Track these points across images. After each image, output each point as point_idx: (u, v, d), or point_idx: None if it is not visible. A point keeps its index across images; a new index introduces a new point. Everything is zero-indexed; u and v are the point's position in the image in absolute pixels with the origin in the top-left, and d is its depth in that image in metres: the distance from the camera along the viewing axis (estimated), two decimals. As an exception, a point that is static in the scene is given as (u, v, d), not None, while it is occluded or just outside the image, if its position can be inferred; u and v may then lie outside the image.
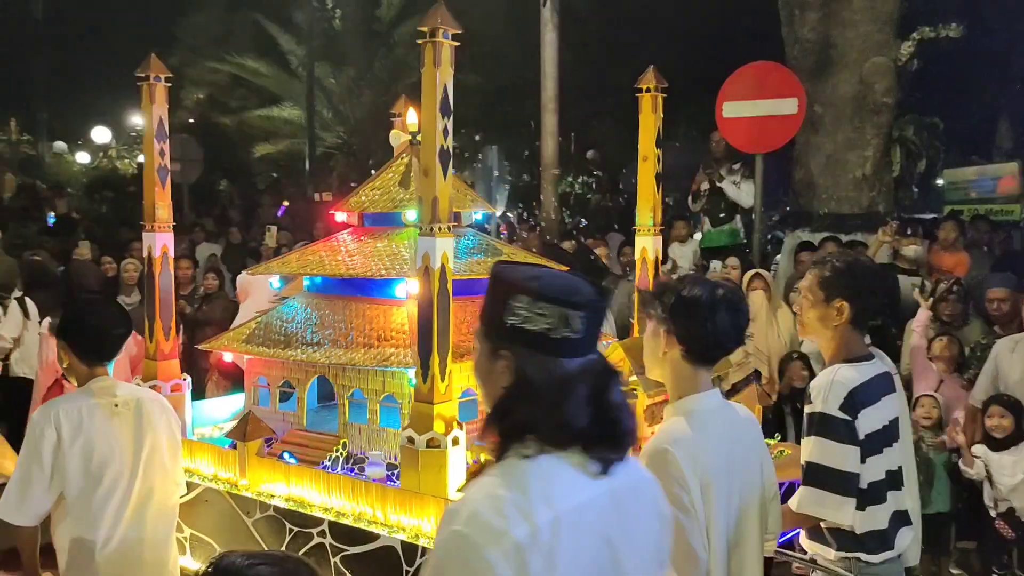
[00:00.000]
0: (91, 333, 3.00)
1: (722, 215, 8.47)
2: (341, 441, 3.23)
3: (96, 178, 23.04)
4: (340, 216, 3.74)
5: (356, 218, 3.61)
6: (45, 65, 24.89)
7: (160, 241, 3.65)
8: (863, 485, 2.60)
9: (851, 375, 2.65)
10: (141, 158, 23.70)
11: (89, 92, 29.57)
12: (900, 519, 2.73)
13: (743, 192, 8.26)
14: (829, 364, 2.76)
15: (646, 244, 3.67)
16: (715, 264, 7.46)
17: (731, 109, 7.69)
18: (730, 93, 7.70)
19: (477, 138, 16.76)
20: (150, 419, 3.02)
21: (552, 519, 1.46)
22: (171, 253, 3.72)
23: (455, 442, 2.78)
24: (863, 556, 2.62)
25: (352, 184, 19.93)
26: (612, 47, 18.57)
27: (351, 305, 3.39)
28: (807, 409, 2.70)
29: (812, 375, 3.49)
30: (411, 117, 3.52)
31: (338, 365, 3.22)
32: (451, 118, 2.75)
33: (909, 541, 2.78)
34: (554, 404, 1.52)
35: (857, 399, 2.61)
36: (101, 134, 26.36)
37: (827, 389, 2.63)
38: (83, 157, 28.37)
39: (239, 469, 3.20)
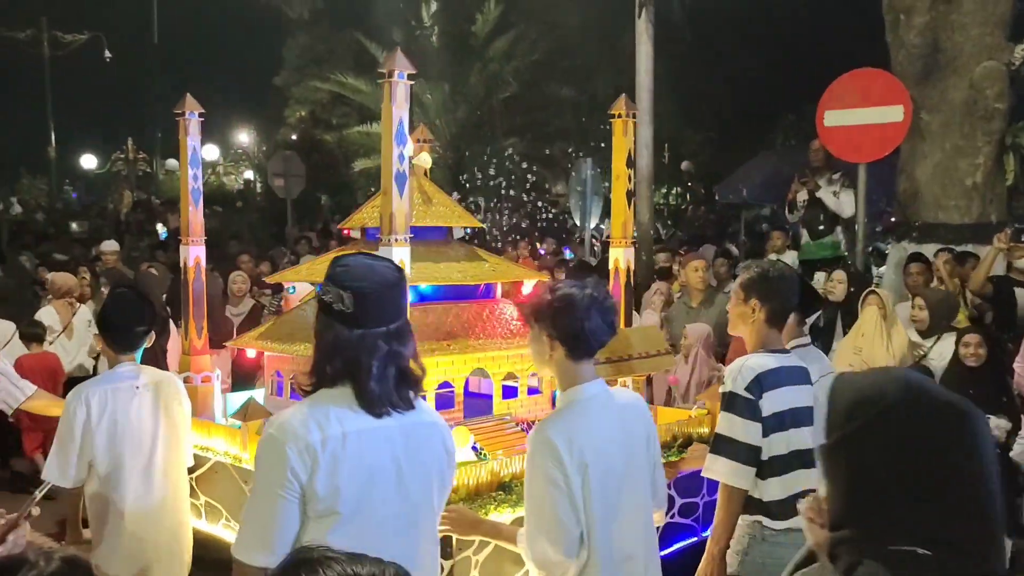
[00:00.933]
0: (117, 327, 3.47)
1: (822, 227, 8.24)
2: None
3: (205, 194, 24.04)
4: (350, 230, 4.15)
5: (360, 232, 3.99)
6: (159, 87, 26.16)
7: (193, 253, 4.23)
8: (764, 457, 2.97)
9: (760, 361, 3.03)
10: (247, 174, 24.61)
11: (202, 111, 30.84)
12: None
13: (843, 202, 8.03)
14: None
15: (618, 255, 3.99)
16: (819, 276, 7.26)
17: (833, 118, 7.50)
18: (832, 101, 7.51)
19: (570, 151, 16.78)
20: (166, 399, 3.48)
21: (341, 434, 2.04)
22: (203, 263, 4.35)
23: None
24: (765, 521, 2.97)
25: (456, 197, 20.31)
26: (707, 58, 18.37)
27: None
28: (720, 389, 3.12)
29: None
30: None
31: None
32: (407, 146, 3.20)
33: None
34: (326, 357, 2.10)
35: (763, 382, 2.98)
36: (209, 151, 27.52)
37: (737, 372, 3.02)
38: (194, 174, 29.66)
39: (242, 445, 3.67)
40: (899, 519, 1.51)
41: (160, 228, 17.96)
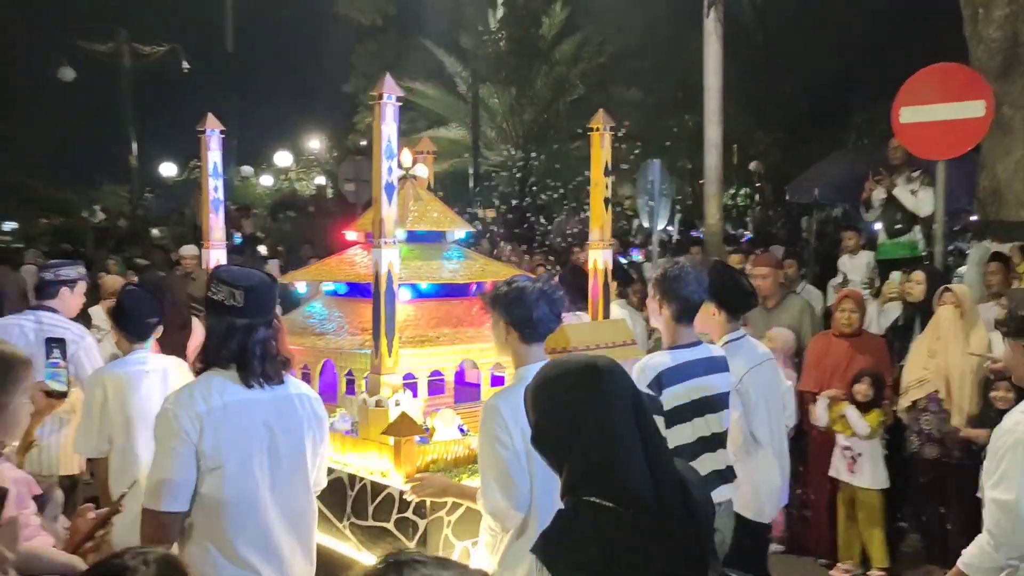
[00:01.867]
0: (128, 318, 3.98)
1: (899, 226, 8.02)
2: (338, 409, 3.87)
3: (278, 199, 24.59)
4: (350, 235, 4.42)
5: (363, 236, 4.25)
6: (234, 94, 26.84)
7: (215, 256, 4.58)
8: (670, 446, 3.03)
9: (662, 360, 3.33)
10: (318, 179, 25.04)
11: (272, 119, 31.63)
12: (719, 477, 3.46)
13: (921, 200, 7.81)
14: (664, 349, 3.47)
15: (596, 256, 4.29)
16: (895, 275, 7.07)
17: (910, 114, 7.29)
18: (908, 98, 7.31)
19: (637, 152, 16.68)
20: (173, 382, 3.85)
21: (222, 404, 2.56)
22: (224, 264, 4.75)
23: (397, 403, 3.46)
24: None
25: (512, 201, 20.32)
26: (777, 56, 18.06)
27: (350, 304, 4.13)
28: None
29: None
30: (405, 157, 4.14)
31: (335, 350, 3.94)
32: (395, 160, 3.62)
33: (729, 494, 3.51)
34: (220, 343, 2.61)
35: (663, 379, 3.27)
36: (283, 158, 28.15)
37: (640, 371, 3.27)
38: (266, 180, 30.38)
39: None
40: (574, 470, 1.90)
41: (235, 233, 18.46)
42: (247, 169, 29.26)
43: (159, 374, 3.96)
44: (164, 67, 25.79)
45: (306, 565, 2.73)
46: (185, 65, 25.45)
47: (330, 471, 3.39)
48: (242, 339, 2.61)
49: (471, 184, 19.97)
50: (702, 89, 12.48)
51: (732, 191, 18.92)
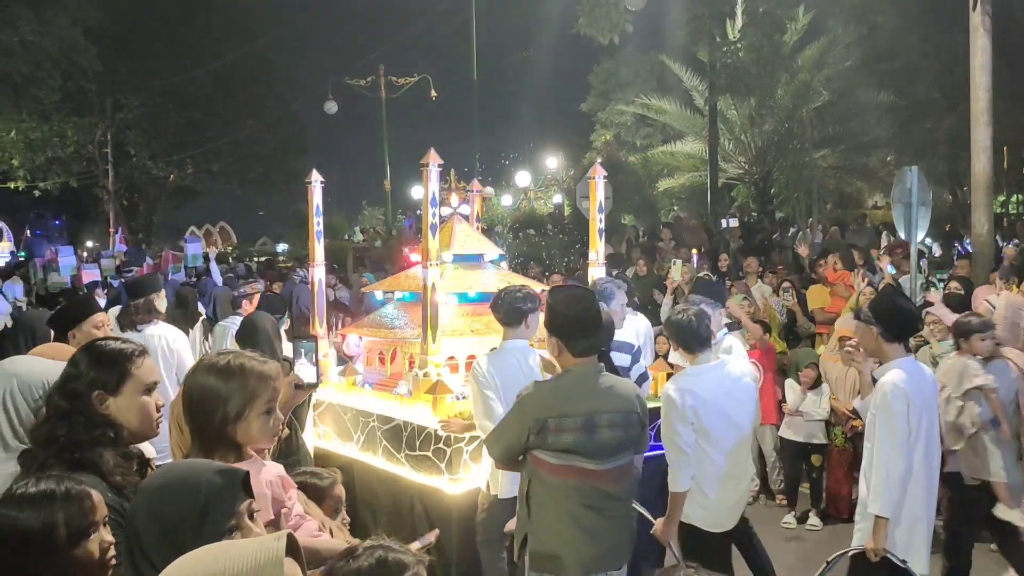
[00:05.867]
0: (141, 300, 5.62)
1: None
2: (401, 380, 5.45)
3: (518, 218, 25.48)
4: (414, 257, 6.24)
5: (421, 256, 5.54)
6: (478, 120, 28.17)
7: (317, 274, 6.33)
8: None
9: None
10: (556, 198, 25.59)
11: (512, 140, 32.83)
12: None
13: None
14: None
15: (595, 272, 5.79)
16: None
17: None
18: None
19: (889, 159, 15.61)
20: (172, 347, 5.32)
21: None
22: (323, 280, 6.51)
23: (438, 374, 5.08)
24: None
25: (753, 213, 19.71)
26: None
27: (412, 307, 5.68)
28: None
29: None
30: (453, 199, 6.35)
31: (401, 340, 5.59)
32: (438, 208, 5.23)
33: None
34: None
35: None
36: (522, 178, 29.12)
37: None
38: (506, 200, 31.57)
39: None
40: None
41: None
42: (488, 190, 30.54)
43: (156, 340, 5.41)
44: (415, 97, 27.63)
45: None
46: (433, 93, 27.14)
47: (390, 419, 5.18)
48: None
49: (708, 198, 19.62)
50: (964, 89, 11.47)
51: (1001, 198, 17.19)
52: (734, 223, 17.21)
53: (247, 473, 1.75)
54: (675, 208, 23.54)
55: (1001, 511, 4.80)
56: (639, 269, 11.35)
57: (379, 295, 6.58)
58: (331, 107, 27.42)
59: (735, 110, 20.07)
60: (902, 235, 9.65)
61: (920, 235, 9.60)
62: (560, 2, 20.42)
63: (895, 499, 3.77)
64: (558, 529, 3.30)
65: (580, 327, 3.38)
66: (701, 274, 9.12)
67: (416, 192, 33.32)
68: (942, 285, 8.75)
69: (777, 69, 17.99)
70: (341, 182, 34.52)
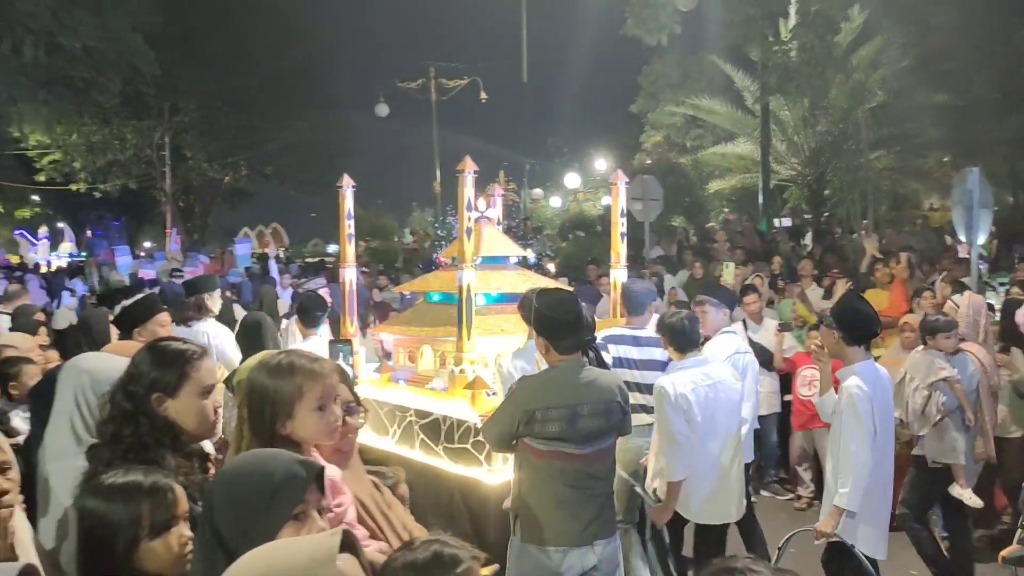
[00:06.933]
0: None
1: None
2: (435, 376, 5.65)
3: (567, 219, 25.48)
4: (445, 260, 6.56)
5: (451, 260, 5.89)
6: (528, 121, 28.23)
7: (348, 275, 6.46)
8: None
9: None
10: (605, 200, 25.54)
11: (562, 142, 32.82)
12: None
13: None
14: None
15: (616, 275, 6.12)
16: None
17: None
18: None
19: (946, 160, 15.26)
20: (213, 342, 5.73)
21: None
22: (356, 281, 6.58)
23: (473, 371, 5.26)
24: None
25: (805, 216, 19.43)
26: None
27: (442, 308, 5.89)
28: None
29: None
30: (480, 203, 5.95)
31: (432, 338, 5.76)
32: (472, 212, 5.43)
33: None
34: None
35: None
36: (571, 179, 29.13)
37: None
38: (555, 201, 31.59)
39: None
40: None
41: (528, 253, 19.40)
42: (537, 192, 30.63)
43: (207, 335, 5.96)
44: (465, 99, 27.77)
45: None
46: (483, 95, 27.27)
47: (428, 414, 5.29)
48: None
49: (760, 199, 19.39)
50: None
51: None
52: (787, 223, 17.00)
53: (323, 468, 1.81)
54: (725, 210, 23.31)
55: (955, 490, 5.37)
56: (695, 272, 11.28)
57: (406, 294, 6.84)
58: (382, 110, 27.72)
59: (788, 111, 19.80)
60: (962, 237, 9.45)
61: (981, 238, 9.38)
62: (609, 3, 20.36)
63: (861, 492, 4.15)
64: (545, 506, 3.67)
65: (562, 327, 3.72)
66: (748, 280, 9.01)
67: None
68: (1004, 289, 8.55)
69: (829, 69, 17.71)
70: (391, 184, 34.84)
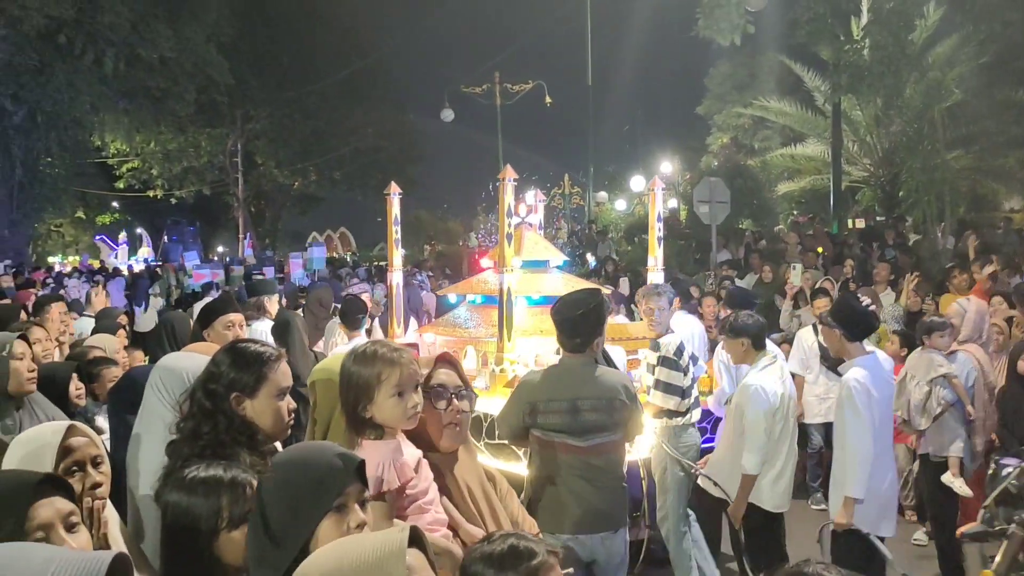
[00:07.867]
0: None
1: None
2: (476, 377, 5.67)
3: (631, 223, 25.32)
4: (485, 262, 6.67)
5: (493, 264, 6.12)
6: (592, 125, 28.18)
7: (395, 279, 6.68)
8: None
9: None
10: (671, 202, 25.30)
11: (627, 144, 32.62)
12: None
13: None
14: None
15: (653, 277, 6.15)
16: None
17: None
18: None
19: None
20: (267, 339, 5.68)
21: None
22: (400, 284, 6.76)
23: (513, 371, 5.46)
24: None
25: (878, 217, 18.95)
26: None
27: (484, 310, 6.12)
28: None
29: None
30: (521, 209, 6.38)
31: (475, 339, 5.94)
32: (513, 218, 5.72)
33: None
34: None
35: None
36: (637, 182, 28.93)
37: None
38: (620, 204, 31.41)
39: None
40: None
41: (589, 257, 19.32)
42: (602, 195, 30.51)
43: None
44: (530, 103, 27.83)
45: None
46: (548, 100, 27.30)
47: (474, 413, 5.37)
48: None
49: (831, 201, 18.98)
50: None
51: None
52: (860, 224, 16.60)
53: (362, 461, 1.89)
54: (795, 212, 22.87)
55: (946, 478, 5.66)
56: (764, 275, 11.10)
57: (452, 298, 7.14)
58: (448, 115, 27.97)
59: (860, 111, 19.34)
60: (1043, 239, 9.12)
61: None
62: (675, 4, 20.20)
63: (866, 480, 4.36)
64: (554, 494, 3.85)
65: (571, 326, 3.89)
66: (818, 284, 8.82)
67: (529, 197, 33.68)
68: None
69: (904, 67, 17.24)
70: (458, 188, 35.12)
